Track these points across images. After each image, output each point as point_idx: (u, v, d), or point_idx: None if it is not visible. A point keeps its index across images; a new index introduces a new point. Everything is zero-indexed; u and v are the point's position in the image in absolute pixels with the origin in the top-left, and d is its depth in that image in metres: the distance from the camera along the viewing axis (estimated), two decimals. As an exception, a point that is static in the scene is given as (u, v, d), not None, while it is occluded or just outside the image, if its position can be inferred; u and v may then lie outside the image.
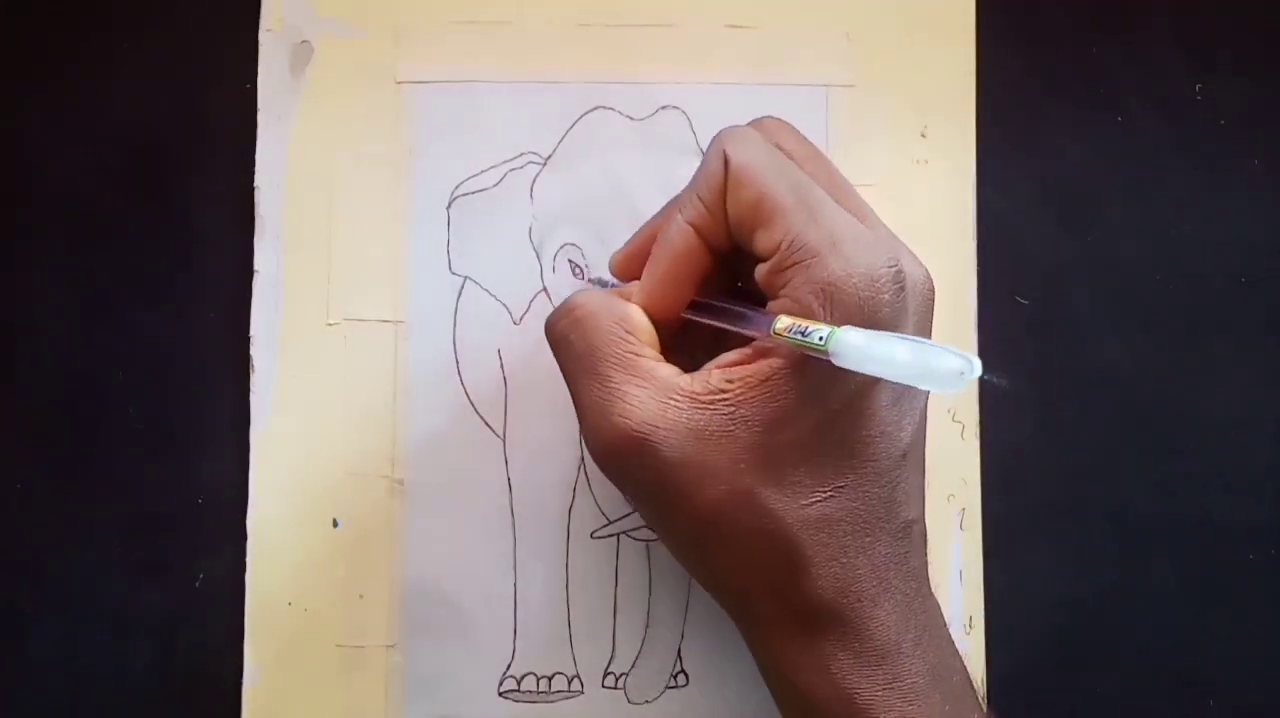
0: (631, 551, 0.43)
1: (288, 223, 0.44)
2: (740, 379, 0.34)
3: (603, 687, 0.43)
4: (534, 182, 0.44)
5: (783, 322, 0.33)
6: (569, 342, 0.36)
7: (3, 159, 0.45)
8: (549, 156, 0.44)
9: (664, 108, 0.44)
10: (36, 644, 0.43)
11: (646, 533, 0.43)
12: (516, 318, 0.44)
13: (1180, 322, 0.45)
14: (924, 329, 0.36)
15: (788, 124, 0.37)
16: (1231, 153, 0.46)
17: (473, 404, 0.43)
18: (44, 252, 0.44)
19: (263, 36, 0.44)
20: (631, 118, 0.44)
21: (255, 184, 0.44)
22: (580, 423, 0.36)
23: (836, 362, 0.31)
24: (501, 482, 0.43)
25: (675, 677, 0.43)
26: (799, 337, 0.32)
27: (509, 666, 0.43)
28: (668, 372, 0.35)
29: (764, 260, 0.35)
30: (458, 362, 0.44)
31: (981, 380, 0.44)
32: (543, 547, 0.43)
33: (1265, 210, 0.46)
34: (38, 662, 0.43)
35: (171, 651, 0.43)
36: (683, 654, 0.43)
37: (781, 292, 0.34)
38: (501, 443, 0.43)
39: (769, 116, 0.37)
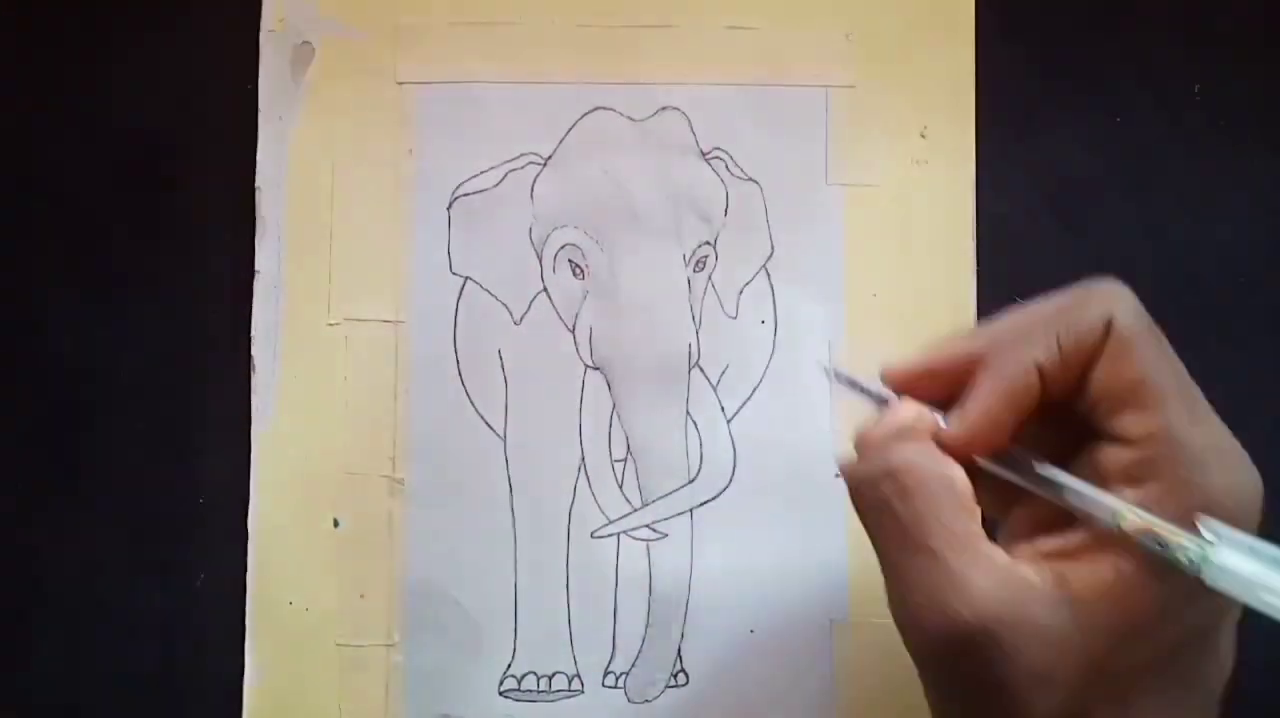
0: (632, 550, 0.43)
1: (288, 223, 0.44)
2: (1085, 578, 0.30)
3: (603, 686, 0.43)
4: (534, 182, 0.44)
5: (1133, 521, 0.30)
6: (891, 509, 0.32)
7: (4, 159, 0.45)
8: (549, 157, 0.44)
9: (664, 108, 0.44)
10: (37, 644, 0.43)
11: (647, 533, 0.43)
12: (517, 318, 0.44)
13: (1180, 322, 0.45)
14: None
15: (1128, 290, 0.33)
16: (1231, 153, 0.46)
17: (473, 404, 0.44)
18: (44, 251, 0.44)
19: (263, 37, 0.44)
20: (632, 118, 0.44)
21: (256, 184, 0.44)
22: (899, 598, 0.32)
23: (1210, 584, 0.29)
24: (502, 481, 0.43)
25: (675, 677, 0.43)
26: (1157, 547, 0.29)
27: (509, 665, 0.43)
28: (1004, 558, 0.31)
29: (1122, 442, 0.31)
30: (458, 362, 0.44)
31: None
32: (543, 546, 0.43)
33: (1265, 210, 0.46)
34: (39, 661, 0.43)
35: (172, 650, 0.43)
36: (683, 654, 0.43)
37: (1144, 485, 0.30)
38: (502, 443, 0.43)
39: (1109, 280, 0.33)
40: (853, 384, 0.35)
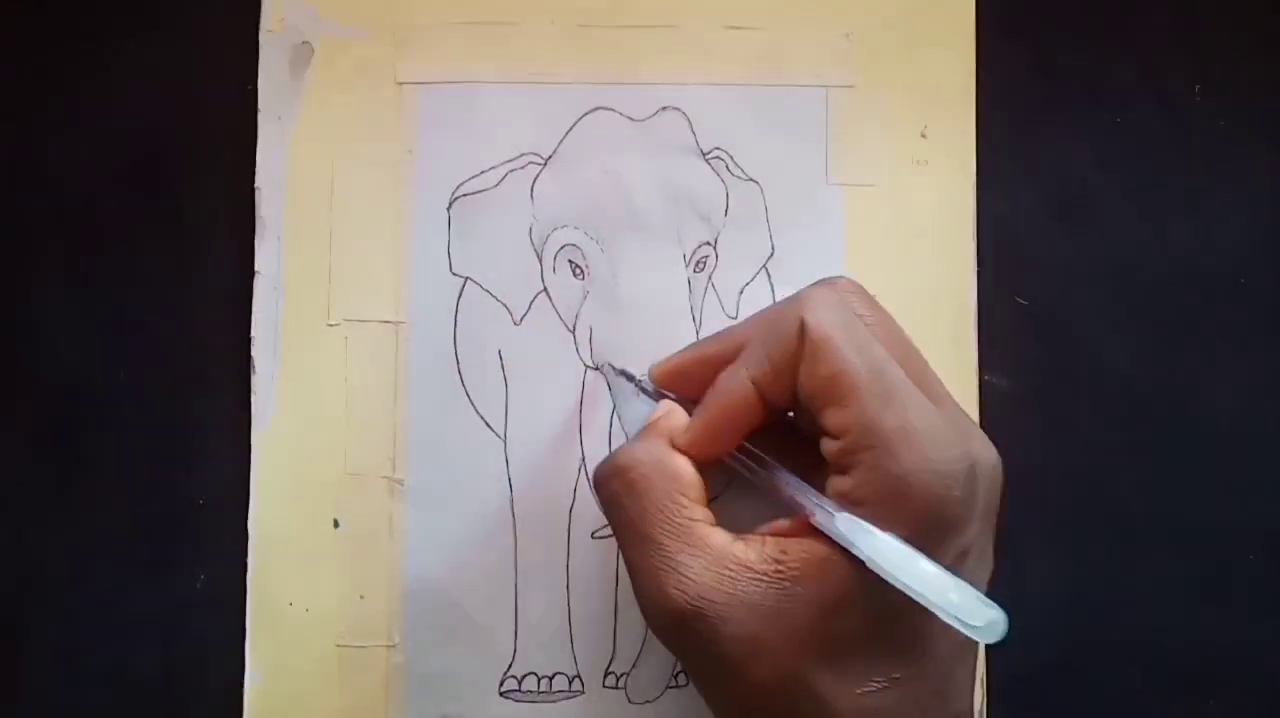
0: (632, 551, 0.43)
1: (288, 223, 0.44)
2: (796, 555, 0.33)
3: (603, 687, 0.43)
4: (534, 182, 0.44)
5: (830, 521, 0.33)
6: (621, 505, 0.35)
7: (4, 159, 0.45)
8: (549, 157, 0.44)
9: (664, 109, 0.44)
10: (37, 645, 0.43)
11: (647, 533, 0.43)
12: (517, 318, 0.44)
13: (1180, 322, 0.45)
14: (990, 518, 0.35)
15: (861, 288, 0.36)
16: (1231, 153, 0.46)
17: (473, 404, 0.44)
18: (45, 252, 0.44)
19: (263, 37, 0.44)
20: (632, 119, 0.44)
21: (256, 185, 0.44)
22: (634, 588, 0.35)
23: (872, 569, 0.32)
24: (502, 482, 0.43)
25: (676, 677, 0.43)
26: (848, 540, 0.32)
27: (510, 666, 0.43)
28: (721, 539, 0.34)
29: (831, 436, 0.33)
30: (458, 362, 0.44)
31: (983, 385, 0.44)
32: (544, 547, 0.43)
33: (1265, 210, 0.46)
34: (38, 662, 0.43)
35: (172, 651, 0.43)
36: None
37: (849, 473, 0.33)
38: (502, 443, 0.43)
39: (842, 277, 0.36)
40: (629, 378, 0.40)
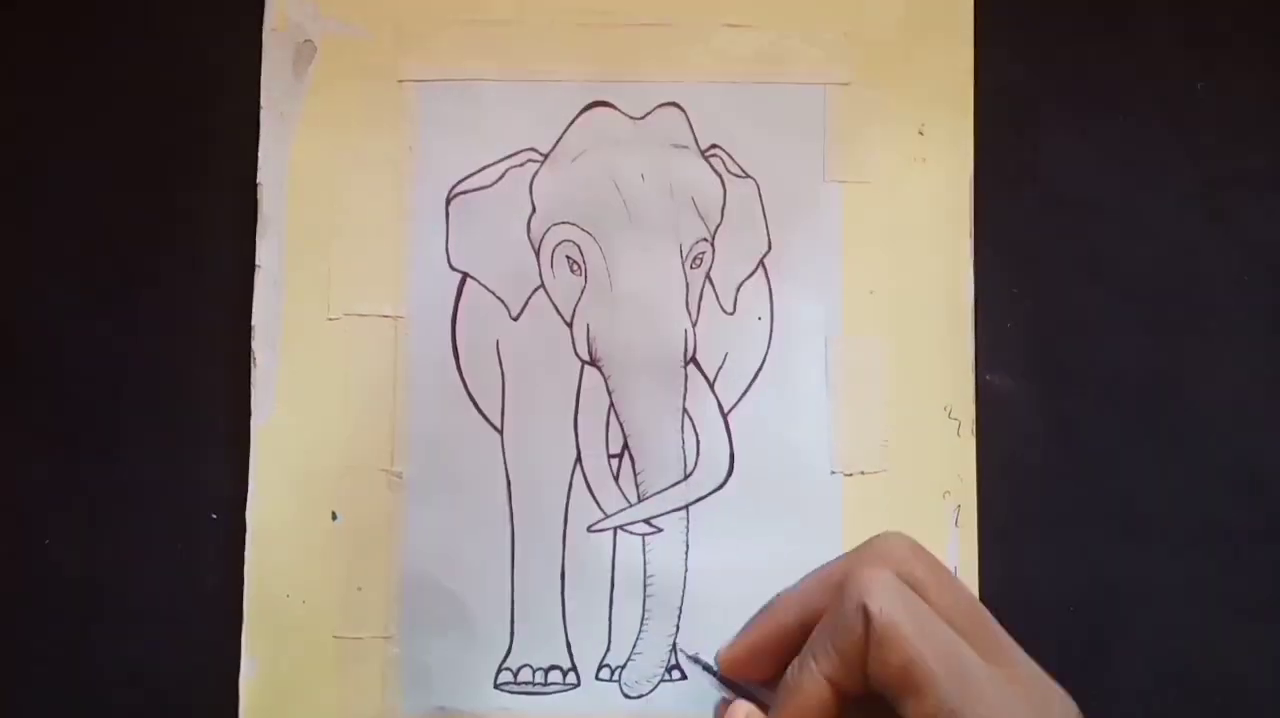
0: (628, 544, 0.43)
1: (290, 219, 0.44)
2: None
3: (598, 679, 0.43)
4: (533, 179, 0.44)
5: None
6: None
7: (6, 157, 0.45)
8: (548, 154, 0.44)
9: (662, 106, 0.45)
10: (38, 641, 0.44)
11: (643, 527, 0.43)
12: (515, 314, 0.44)
13: (1180, 321, 0.45)
14: None
15: (914, 546, 0.35)
16: (1232, 152, 0.46)
17: (471, 399, 0.44)
18: (46, 248, 0.45)
19: (266, 36, 0.45)
20: (630, 116, 0.44)
21: (258, 181, 0.44)
22: None
23: None
24: (499, 476, 0.43)
25: (670, 671, 0.43)
26: None
27: (505, 658, 0.43)
28: None
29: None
30: (457, 357, 0.44)
31: (980, 382, 0.44)
32: (540, 540, 0.43)
33: (1265, 210, 0.46)
34: (39, 657, 0.44)
35: (171, 642, 0.44)
36: (678, 648, 0.43)
37: None
38: (500, 437, 0.44)
39: (891, 537, 0.35)
40: (705, 668, 0.38)
